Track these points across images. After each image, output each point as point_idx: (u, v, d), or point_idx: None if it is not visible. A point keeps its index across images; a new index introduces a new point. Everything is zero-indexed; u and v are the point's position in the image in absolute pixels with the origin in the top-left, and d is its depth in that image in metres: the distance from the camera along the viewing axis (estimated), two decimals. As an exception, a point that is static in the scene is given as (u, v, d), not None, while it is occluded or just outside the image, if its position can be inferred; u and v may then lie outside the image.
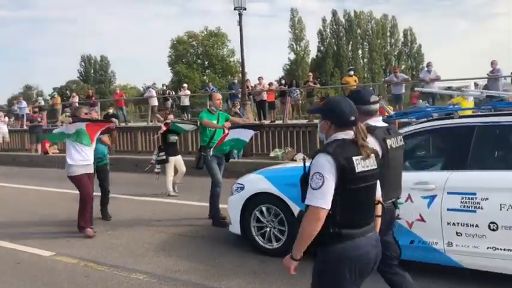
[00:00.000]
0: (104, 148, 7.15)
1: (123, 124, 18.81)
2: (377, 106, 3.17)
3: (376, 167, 2.49)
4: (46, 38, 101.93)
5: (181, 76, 54.21)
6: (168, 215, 7.32)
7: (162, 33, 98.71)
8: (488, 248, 3.83)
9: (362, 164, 2.40)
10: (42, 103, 23.05)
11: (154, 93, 20.18)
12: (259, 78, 17.44)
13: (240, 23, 16.15)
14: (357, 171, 2.36)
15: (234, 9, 16.14)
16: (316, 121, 15.69)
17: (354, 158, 2.37)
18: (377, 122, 3.14)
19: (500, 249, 3.78)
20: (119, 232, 6.39)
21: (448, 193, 3.96)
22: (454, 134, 4.28)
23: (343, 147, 2.40)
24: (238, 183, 5.52)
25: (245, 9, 16.30)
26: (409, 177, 4.20)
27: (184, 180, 9.24)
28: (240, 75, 18.51)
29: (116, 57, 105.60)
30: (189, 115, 19.67)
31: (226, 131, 6.58)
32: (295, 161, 10.45)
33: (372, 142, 2.72)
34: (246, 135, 6.96)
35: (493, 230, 3.79)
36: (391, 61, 60.16)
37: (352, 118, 2.47)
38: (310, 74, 19.11)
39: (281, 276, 4.41)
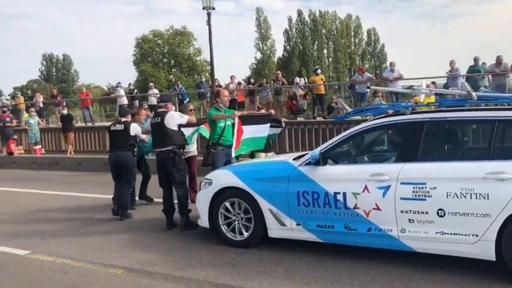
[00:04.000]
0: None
1: (89, 124, 18.68)
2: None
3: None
4: (4, 36, 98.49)
5: (146, 75, 53.70)
6: (143, 213, 7.48)
7: (126, 32, 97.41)
8: (436, 232, 4.24)
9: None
10: (7, 102, 22.50)
11: (122, 92, 20.03)
12: (232, 77, 17.58)
13: (208, 22, 16.35)
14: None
15: (203, 8, 16.30)
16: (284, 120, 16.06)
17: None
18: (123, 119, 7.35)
19: (447, 233, 4.19)
20: (93, 230, 6.53)
21: (401, 183, 4.36)
22: (406, 129, 4.68)
23: None
24: (207, 179, 5.75)
25: (214, 8, 16.49)
26: (365, 169, 4.64)
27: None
28: (207, 73, 18.69)
29: (79, 56, 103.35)
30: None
31: (237, 126, 6.69)
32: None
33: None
34: (262, 131, 7.18)
35: (441, 216, 4.20)
36: (355, 60, 61.52)
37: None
38: (279, 72, 19.28)
39: (257, 266, 4.71)
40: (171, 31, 57.93)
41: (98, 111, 38.38)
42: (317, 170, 4.86)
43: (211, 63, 17.44)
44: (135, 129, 7.29)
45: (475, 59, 13.92)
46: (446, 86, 13.69)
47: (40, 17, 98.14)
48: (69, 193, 9.53)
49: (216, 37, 16.75)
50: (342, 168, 4.91)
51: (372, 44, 64.19)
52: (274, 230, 5.13)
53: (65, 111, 16.75)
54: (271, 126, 7.68)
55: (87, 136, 16.19)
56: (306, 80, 18.23)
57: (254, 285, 4.26)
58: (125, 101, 18.85)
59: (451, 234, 4.18)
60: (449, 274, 4.25)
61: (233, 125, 6.75)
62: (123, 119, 7.42)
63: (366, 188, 4.51)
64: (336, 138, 5.06)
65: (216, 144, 6.64)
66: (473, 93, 4.38)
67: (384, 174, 4.45)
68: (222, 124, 6.64)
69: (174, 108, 6.85)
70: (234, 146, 6.68)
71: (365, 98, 15.22)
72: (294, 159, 5.26)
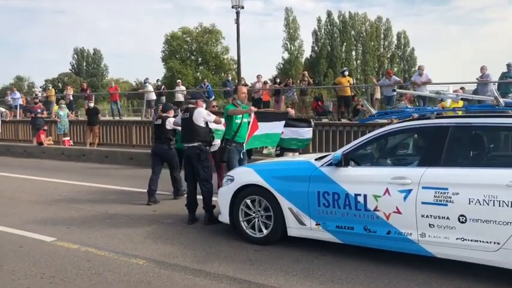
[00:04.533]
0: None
1: (117, 118, 19.06)
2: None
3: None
4: (37, 29, 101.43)
5: (174, 72, 54.34)
6: (165, 206, 7.64)
7: (155, 29, 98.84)
8: (457, 238, 4.20)
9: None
10: (39, 94, 23.17)
11: (151, 88, 20.32)
12: (258, 76, 17.65)
13: (237, 20, 16.47)
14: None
15: (232, 7, 16.45)
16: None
17: None
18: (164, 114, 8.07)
19: (468, 240, 4.15)
20: (117, 221, 6.70)
21: (423, 188, 4.33)
22: (431, 133, 4.65)
23: None
24: (229, 176, 5.85)
25: (243, 7, 16.63)
26: (387, 172, 4.62)
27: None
28: (234, 72, 18.83)
29: (109, 51, 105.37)
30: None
31: (252, 121, 6.79)
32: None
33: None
34: (276, 128, 7.28)
35: (462, 222, 4.16)
36: (384, 63, 60.70)
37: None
38: (305, 71, 19.24)
39: (275, 264, 4.77)
40: (200, 29, 58.47)
41: (125, 106, 39.05)
42: (338, 171, 4.87)
43: (238, 62, 17.57)
44: (169, 123, 7.93)
45: (508, 65, 13.61)
46: (476, 92, 13.43)
47: (72, 11, 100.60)
48: (95, 184, 9.78)
49: (244, 36, 16.97)
50: (363, 170, 4.91)
51: (402, 47, 63.20)
52: (293, 229, 5.17)
53: (92, 105, 17.08)
54: (300, 127, 7.82)
55: (114, 130, 16.54)
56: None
57: (271, 282, 4.32)
58: (152, 96, 19.03)
59: (471, 240, 4.14)
60: (468, 281, 4.21)
61: (249, 123, 6.85)
62: (163, 114, 8.10)
63: (387, 190, 4.50)
64: (358, 140, 5.06)
65: (231, 140, 6.76)
66: (501, 100, 4.31)
67: (406, 178, 4.43)
68: (238, 121, 6.75)
69: (204, 105, 6.97)
70: (246, 140, 6.78)
71: (392, 101, 15.06)
72: (316, 160, 5.28)
